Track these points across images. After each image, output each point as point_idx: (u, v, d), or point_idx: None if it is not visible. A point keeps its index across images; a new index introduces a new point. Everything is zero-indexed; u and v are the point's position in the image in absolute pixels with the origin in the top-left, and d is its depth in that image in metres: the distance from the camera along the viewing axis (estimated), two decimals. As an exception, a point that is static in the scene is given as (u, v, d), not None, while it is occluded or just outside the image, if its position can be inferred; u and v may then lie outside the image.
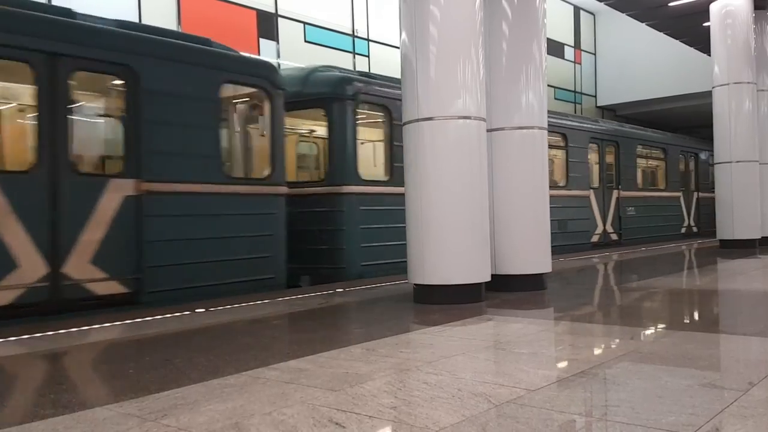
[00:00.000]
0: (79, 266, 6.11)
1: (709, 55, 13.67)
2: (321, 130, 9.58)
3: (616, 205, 15.25)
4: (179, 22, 11.36)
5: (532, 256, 7.18)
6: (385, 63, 14.24)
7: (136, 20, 10.49)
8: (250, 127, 8.17)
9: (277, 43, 12.91)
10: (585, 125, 14.59)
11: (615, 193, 15.27)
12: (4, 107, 6.70)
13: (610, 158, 15.25)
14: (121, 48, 6.49)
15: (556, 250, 11.96)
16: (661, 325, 5.34)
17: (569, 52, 21.84)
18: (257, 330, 5.25)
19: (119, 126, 6.70)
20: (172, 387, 3.36)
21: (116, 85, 6.69)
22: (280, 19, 13.06)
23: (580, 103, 22.36)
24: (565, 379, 3.38)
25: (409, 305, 6.30)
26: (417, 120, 6.29)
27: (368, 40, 14.92)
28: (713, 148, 13.73)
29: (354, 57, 14.55)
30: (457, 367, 3.67)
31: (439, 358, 3.89)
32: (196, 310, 6.03)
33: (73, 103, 6.29)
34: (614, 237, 15.20)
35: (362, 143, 9.50)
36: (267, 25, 12.82)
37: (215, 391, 3.26)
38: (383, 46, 15.05)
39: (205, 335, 5.02)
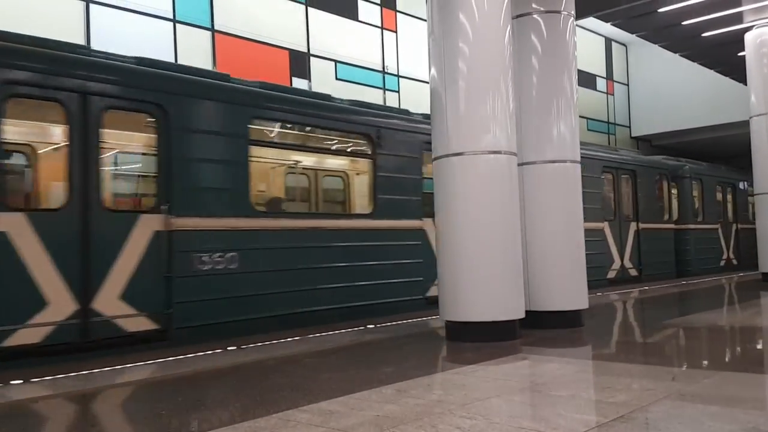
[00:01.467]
0: None
1: (746, 85, 13.46)
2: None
3: (735, 236, 18.21)
4: (214, 63, 11.62)
5: (568, 291, 7.04)
6: (416, 98, 14.34)
7: (172, 60, 10.76)
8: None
9: (309, 81, 13.11)
10: (715, 173, 17.90)
11: (734, 227, 18.27)
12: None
13: (729, 197, 18.33)
14: None
15: (697, 272, 15.63)
16: (702, 365, 5.17)
17: (601, 83, 21.72)
18: (288, 369, 5.22)
19: None
20: (203, 429, 3.35)
21: None
22: (312, 58, 13.29)
23: (614, 134, 22.14)
24: (604, 423, 3.27)
25: (441, 343, 6.22)
26: (447, 155, 6.28)
27: (398, 76, 15.06)
28: None
29: (384, 93, 14.69)
30: (492, 411, 3.58)
31: (473, 401, 3.80)
32: (228, 348, 6.03)
33: None
34: (735, 262, 17.98)
35: None
36: (299, 63, 13.04)
37: (245, 435, 3.23)
38: (414, 81, 15.17)
39: (237, 374, 5.01)
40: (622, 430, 3.16)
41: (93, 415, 3.86)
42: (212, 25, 11.72)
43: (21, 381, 4.71)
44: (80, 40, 9.83)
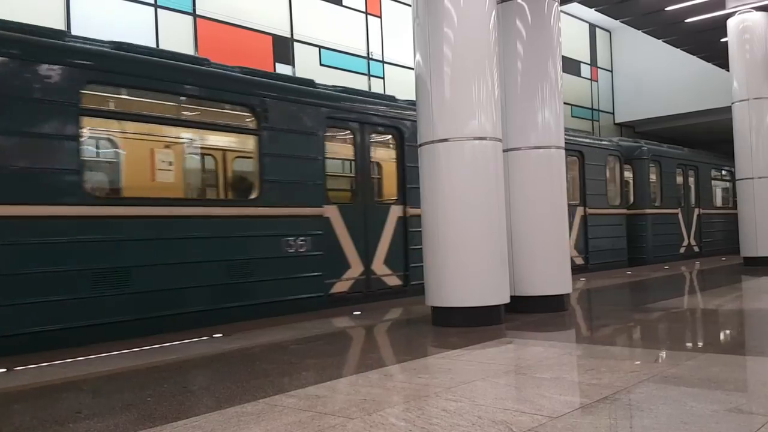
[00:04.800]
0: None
1: (728, 71, 13.56)
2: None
3: None
4: (196, 48, 11.50)
5: (552, 276, 7.09)
6: (401, 84, 14.29)
7: (153, 45, 10.64)
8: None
9: (293, 67, 13.01)
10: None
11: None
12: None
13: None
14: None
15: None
16: (685, 347, 5.24)
17: (585, 70, 21.76)
18: (275, 355, 5.22)
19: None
20: (189, 416, 3.34)
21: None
22: (295, 43, 13.19)
23: (598, 120, 22.23)
24: (588, 405, 3.30)
25: (427, 328, 6.24)
26: (432, 141, 6.28)
27: (383, 62, 15.00)
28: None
29: (369, 79, 14.62)
30: (477, 393, 3.61)
31: (459, 384, 3.83)
32: (214, 335, 6.02)
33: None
34: None
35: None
36: (283, 49, 12.94)
37: (232, 420, 3.23)
38: (398, 67, 15.11)
39: (223, 361, 5.00)
40: (605, 410, 3.20)
41: (77, 402, 3.84)
42: (194, 10, 11.59)
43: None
44: (60, 26, 9.68)
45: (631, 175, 15.21)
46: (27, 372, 4.69)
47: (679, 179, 16.59)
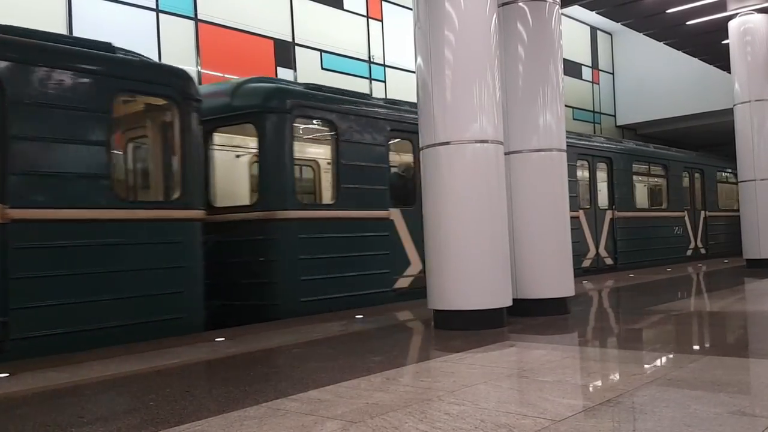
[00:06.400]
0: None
1: (730, 73, 13.56)
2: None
3: None
4: (198, 53, 11.53)
5: (555, 279, 7.08)
6: (403, 88, 14.31)
7: (155, 50, 10.67)
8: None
9: (295, 71, 13.04)
10: None
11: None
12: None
13: None
14: None
15: None
16: (688, 350, 5.23)
17: (587, 72, 21.78)
18: (276, 359, 5.22)
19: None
20: (191, 420, 3.34)
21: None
22: (297, 47, 13.22)
23: (599, 123, 22.24)
24: (591, 408, 3.30)
25: (429, 331, 6.24)
26: (434, 145, 6.28)
27: (384, 65, 15.02)
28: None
29: (371, 83, 14.65)
30: (480, 397, 3.61)
31: (461, 387, 3.82)
32: (216, 339, 6.02)
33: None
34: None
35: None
36: (284, 53, 12.97)
37: (234, 424, 3.23)
38: (400, 71, 15.14)
39: (225, 365, 5.00)
40: (608, 414, 3.19)
41: (80, 407, 3.84)
42: (195, 14, 11.62)
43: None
44: (62, 30, 9.71)
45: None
46: (30, 376, 4.68)
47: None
